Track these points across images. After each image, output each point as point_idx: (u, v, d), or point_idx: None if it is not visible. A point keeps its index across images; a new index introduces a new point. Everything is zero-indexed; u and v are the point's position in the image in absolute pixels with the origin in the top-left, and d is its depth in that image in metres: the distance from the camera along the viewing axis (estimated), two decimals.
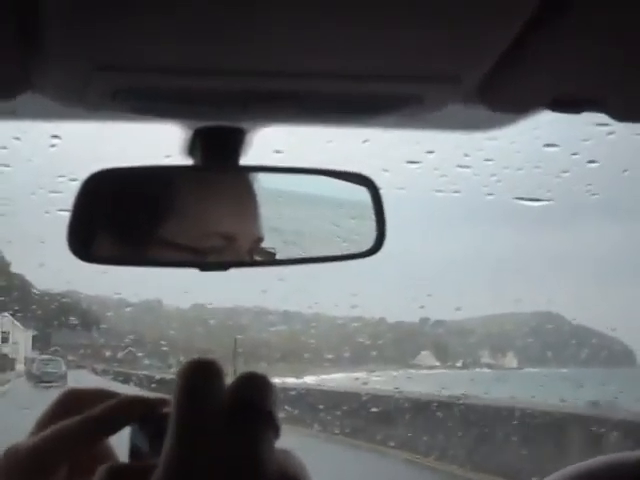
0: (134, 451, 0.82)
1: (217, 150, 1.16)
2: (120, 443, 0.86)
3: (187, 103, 1.02)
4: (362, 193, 1.22)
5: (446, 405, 12.03)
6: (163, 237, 1.20)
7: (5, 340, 26.04)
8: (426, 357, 30.16)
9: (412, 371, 27.26)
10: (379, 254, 1.24)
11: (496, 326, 32.65)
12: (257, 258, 1.24)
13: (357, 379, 19.60)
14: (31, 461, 0.81)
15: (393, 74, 0.94)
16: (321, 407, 13.73)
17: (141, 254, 1.22)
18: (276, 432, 0.68)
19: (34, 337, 26.61)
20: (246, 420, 0.67)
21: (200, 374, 0.68)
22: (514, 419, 10.78)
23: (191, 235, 1.20)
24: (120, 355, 25.39)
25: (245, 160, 1.18)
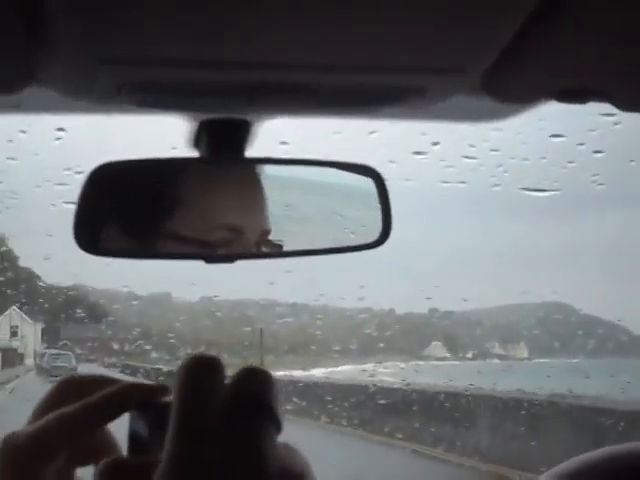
0: (133, 438, 0.81)
1: (223, 142, 1.16)
2: (120, 429, 0.86)
3: (192, 96, 1.02)
4: (368, 184, 1.22)
5: (456, 396, 12.04)
6: (169, 230, 1.20)
7: (14, 334, 25.96)
8: (437, 348, 30.09)
9: (421, 363, 27.25)
10: (386, 245, 1.24)
11: (505, 317, 32.59)
12: (265, 251, 1.24)
13: (365, 370, 19.56)
14: (30, 448, 0.81)
15: (398, 66, 0.94)
16: (330, 399, 13.73)
17: (147, 247, 1.22)
18: (278, 426, 0.68)
19: (43, 330, 26.56)
20: (248, 415, 0.67)
21: (201, 369, 0.68)
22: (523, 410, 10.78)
23: (198, 227, 1.20)
24: (130, 348, 25.39)
25: (251, 152, 1.18)
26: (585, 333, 28.03)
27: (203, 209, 1.22)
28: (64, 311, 24.47)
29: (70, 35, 0.86)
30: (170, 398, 0.69)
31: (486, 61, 0.93)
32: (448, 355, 29.48)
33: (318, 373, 21.30)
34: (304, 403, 13.28)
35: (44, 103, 1.11)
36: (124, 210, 1.22)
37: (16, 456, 0.81)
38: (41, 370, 22.39)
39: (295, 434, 0.70)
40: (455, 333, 30.91)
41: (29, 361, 25.97)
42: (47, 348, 25.10)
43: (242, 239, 1.21)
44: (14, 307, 24.57)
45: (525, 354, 30.01)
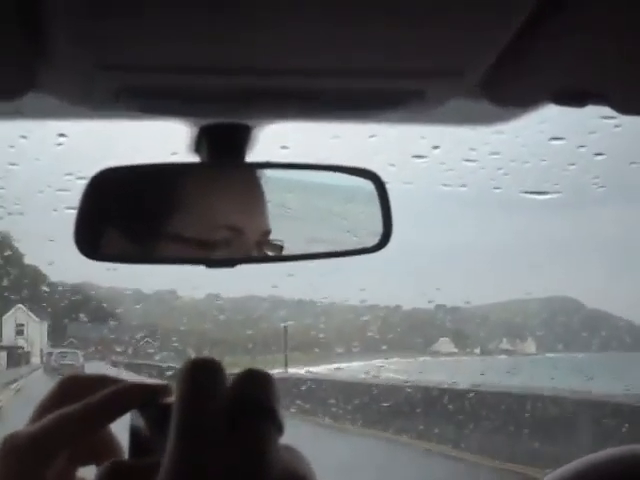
0: (135, 438, 0.81)
1: (223, 147, 1.16)
2: (121, 429, 0.85)
3: (192, 101, 1.02)
4: (369, 188, 1.23)
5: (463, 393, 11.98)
6: (170, 232, 1.20)
7: (20, 332, 25.82)
8: (445, 344, 30.06)
9: (428, 358, 27.24)
10: (388, 249, 1.24)
11: (512, 312, 32.59)
12: (265, 251, 1.24)
13: (381, 366, 19.52)
14: (31, 448, 0.80)
15: (396, 70, 0.94)
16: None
17: (148, 251, 1.22)
18: (279, 429, 0.68)
19: (49, 329, 26.47)
20: (249, 417, 0.67)
21: (202, 372, 0.68)
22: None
23: (198, 228, 1.21)
24: (137, 346, 25.39)
25: (251, 156, 1.18)
26: (593, 327, 28.03)
27: (204, 211, 1.23)
28: (70, 309, 24.48)
29: (70, 41, 0.86)
30: (172, 398, 0.69)
31: (484, 65, 0.93)
32: (456, 351, 29.45)
33: (328, 370, 21.23)
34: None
35: (45, 109, 1.12)
36: (125, 215, 1.22)
37: (17, 456, 0.80)
38: (49, 369, 22.40)
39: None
40: (462, 329, 30.90)
41: (35, 360, 25.86)
42: (53, 346, 25.09)
43: (243, 239, 1.21)
44: (20, 305, 24.44)
45: (533, 349, 29.99)
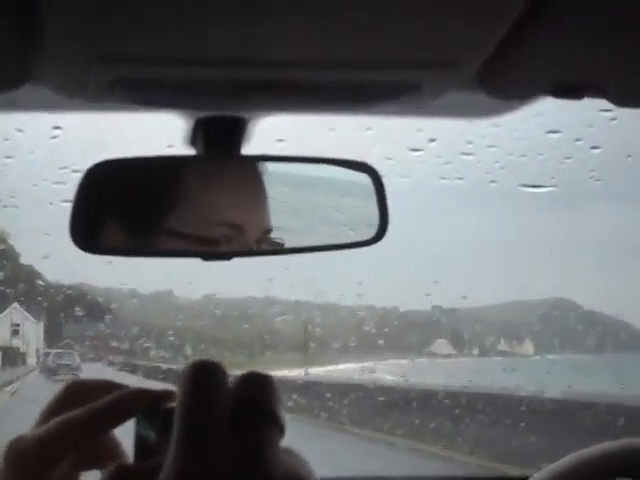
0: (139, 443, 0.81)
1: (219, 139, 1.16)
2: (125, 435, 0.86)
3: (188, 93, 1.02)
4: (365, 181, 1.22)
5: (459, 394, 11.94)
6: (168, 227, 1.20)
7: (15, 332, 25.65)
8: (442, 345, 30.07)
9: (423, 359, 27.26)
10: (384, 242, 1.24)
11: (509, 313, 32.63)
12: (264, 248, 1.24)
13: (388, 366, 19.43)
14: (35, 453, 0.80)
15: (393, 62, 0.94)
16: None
17: (145, 245, 1.22)
18: (281, 431, 0.67)
19: (45, 329, 26.36)
20: (251, 420, 0.66)
21: (203, 375, 0.68)
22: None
23: (198, 224, 1.20)
24: (133, 346, 25.39)
25: (248, 149, 1.18)
26: (590, 329, 28.07)
27: (202, 206, 1.22)
28: (65, 309, 24.45)
29: (64, 33, 0.86)
30: (175, 403, 0.69)
31: (481, 57, 0.93)
32: (454, 352, 29.48)
33: (323, 372, 21.21)
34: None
35: (40, 101, 1.11)
36: (121, 208, 1.22)
37: (22, 460, 0.81)
38: (45, 369, 22.39)
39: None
40: (459, 330, 30.93)
41: (31, 360, 25.74)
42: (49, 347, 25.04)
43: (243, 237, 1.21)
44: (15, 304, 24.29)
45: (531, 351, 30.03)
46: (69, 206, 1.14)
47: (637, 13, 0.86)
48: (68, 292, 23.37)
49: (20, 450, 0.81)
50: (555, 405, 10.33)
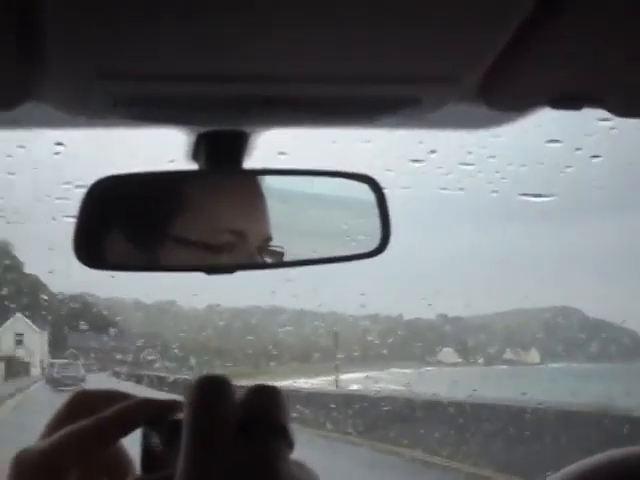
0: (146, 454, 0.81)
1: (221, 154, 1.16)
2: (132, 444, 0.86)
3: (189, 109, 1.02)
4: (367, 193, 1.23)
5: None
6: (174, 235, 1.20)
7: (19, 342, 25.33)
8: (448, 354, 29.95)
9: (429, 368, 27.17)
10: (387, 253, 1.24)
11: (514, 322, 32.55)
12: (266, 258, 1.24)
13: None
14: (42, 464, 0.80)
15: (393, 76, 0.95)
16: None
17: (148, 259, 1.23)
18: (290, 445, 0.67)
19: (49, 339, 26.14)
20: (260, 434, 0.67)
21: (211, 390, 0.68)
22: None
23: (202, 232, 1.21)
24: (138, 357, 25.31)
25: (250, 163, 1.19)
26: (595, 337, 27.98)
27: (207, 215, 1.23)
28: (70, 320, 24.38)
29: (66, 51, 0.86)
30: (182, 414, 0.69)
31: (481, 69, 0.93)
32: (460, 361, 29.38)
33: (326, 383, 21.09)
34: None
35: (42, 118, 1.12)
36: (124, 224, 1.22)
37: (28, 473, 0.80)
38: (50, 380, 22.32)
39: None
40: (465, 339, 30.84)
41: (35, 371, 25.51)
42: (54, 358, 24.93)
43: (246, 244, 1.22)
44: (19, 314, 24.01)
45: (537, 359, 29.94)
46: (72, 221, 1.15)
47: (635, 24, 0.86)
48: (72, 303, 23.30)
49: (26, 463, 0.80)
50: (559, 415, 10.29)
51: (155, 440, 0.80)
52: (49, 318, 24.04)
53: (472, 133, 1.24)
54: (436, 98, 1.01)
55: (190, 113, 1.05)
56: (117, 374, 24.44)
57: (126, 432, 0.83)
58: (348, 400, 14.30)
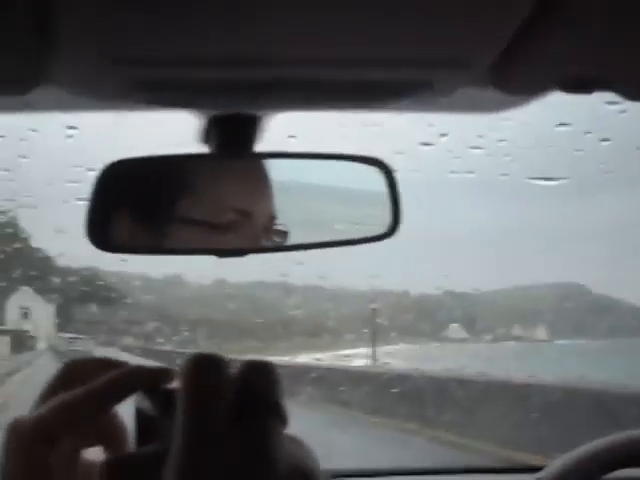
0: (140, 421, 0.80)
1: (232, 137, 1.17)
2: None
3: (201, 93, 1.03)
4: (377, 176, 1.23)
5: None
6: (181, 215, 1.21)
7: (25, 316, 24.98)
8: (456, 330, 29.92)
9: (437, 344, 27.22)
10: (396, 236, 1.25)
11: (520, 298, 32.55)
12: (272, 237, 1.25)
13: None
14: (35, 433, 0.80)
15: (404, 59, 0.95)
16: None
17: (160, 242, 1.23)
18: (284, 422, 0.68)
19: (55, 311, 25.90)
20: (254, 412, 0.67)
21: (204, 367, 0.68)
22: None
23: (209, 211, 1.22)
24: (146, 331, 25.31)
25: (260, 146, 1.19)
26: (601, 313, 27.99)
27: (214, 196, 1.24)
28: (77, 294, 24.34)
29: (80, 35, 0.87)
30: (175, 384, 0.69)
31: (492, 53, 0.93)
32: (467, 337, 29.38)
33: (335, 358, 21.07)
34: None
35: (54, 102, 1.12)
36: (136, 206, 1.23)
37: (20, 441, 0.80)
38: (57, 354, 22.30)
39: None
40: (472, 315, 30.84)
41: (41, 345, 25.35)
42: (61, 331, 24.85)
43: (251, 223, 1.23)
44: (25, 287, 23.73)
45: (544, 336, 29.94)
46: (83, 204, 1.15)
47: None
48: (80, 275, 23.26)
49: (18, 431, 0.80)
50: (567, 393, 10.28)
51: (148, 408, 0.79)
52: (56, 292, 23.96)
53: (483, 116, 1.24)
54: (448, 82, 1.02)
55: (202, 97, 1.06)
56: (126, 348, 24.43)
57: (118, 400, 0.82)
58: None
